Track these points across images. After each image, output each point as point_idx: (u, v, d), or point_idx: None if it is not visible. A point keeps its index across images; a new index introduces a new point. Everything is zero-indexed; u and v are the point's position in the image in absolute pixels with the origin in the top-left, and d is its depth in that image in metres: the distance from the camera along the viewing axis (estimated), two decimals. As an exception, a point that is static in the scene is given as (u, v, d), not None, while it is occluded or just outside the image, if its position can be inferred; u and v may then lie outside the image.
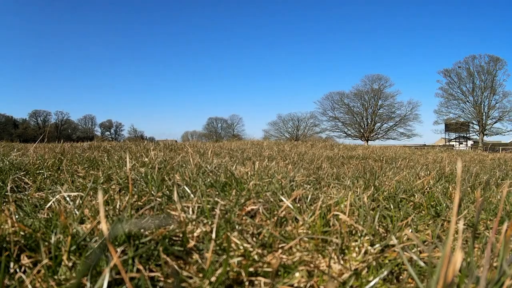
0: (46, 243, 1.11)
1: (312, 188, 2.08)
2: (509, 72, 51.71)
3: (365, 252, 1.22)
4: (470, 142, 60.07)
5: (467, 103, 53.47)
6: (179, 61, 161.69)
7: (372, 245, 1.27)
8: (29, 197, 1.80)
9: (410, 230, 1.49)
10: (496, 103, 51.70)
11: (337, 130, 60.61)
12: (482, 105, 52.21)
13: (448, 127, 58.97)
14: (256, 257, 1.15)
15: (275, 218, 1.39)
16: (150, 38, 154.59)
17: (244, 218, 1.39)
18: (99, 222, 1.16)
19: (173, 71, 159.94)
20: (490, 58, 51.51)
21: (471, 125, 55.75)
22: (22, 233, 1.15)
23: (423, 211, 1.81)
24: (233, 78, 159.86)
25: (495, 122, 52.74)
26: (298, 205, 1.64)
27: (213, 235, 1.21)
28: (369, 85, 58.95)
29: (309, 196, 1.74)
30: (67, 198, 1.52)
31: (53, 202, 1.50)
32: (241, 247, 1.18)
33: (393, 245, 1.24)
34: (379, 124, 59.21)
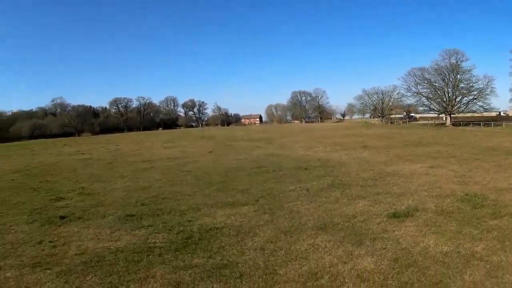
0: None
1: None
2: None
3: None
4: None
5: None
6: (258, 33, 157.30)
7: None
8: None
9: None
10: None
11: (422, 105, 61.05)
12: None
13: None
14: None
15: None
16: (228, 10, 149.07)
17: None
18: None
19: (253, 44, 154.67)
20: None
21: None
22: None
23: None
24: (317, 48, 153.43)
25: None
26: None
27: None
28: (447, 60, 56.92)
29: None
30: None
31: None
32: None
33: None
34: (459, 98, 57.22)
